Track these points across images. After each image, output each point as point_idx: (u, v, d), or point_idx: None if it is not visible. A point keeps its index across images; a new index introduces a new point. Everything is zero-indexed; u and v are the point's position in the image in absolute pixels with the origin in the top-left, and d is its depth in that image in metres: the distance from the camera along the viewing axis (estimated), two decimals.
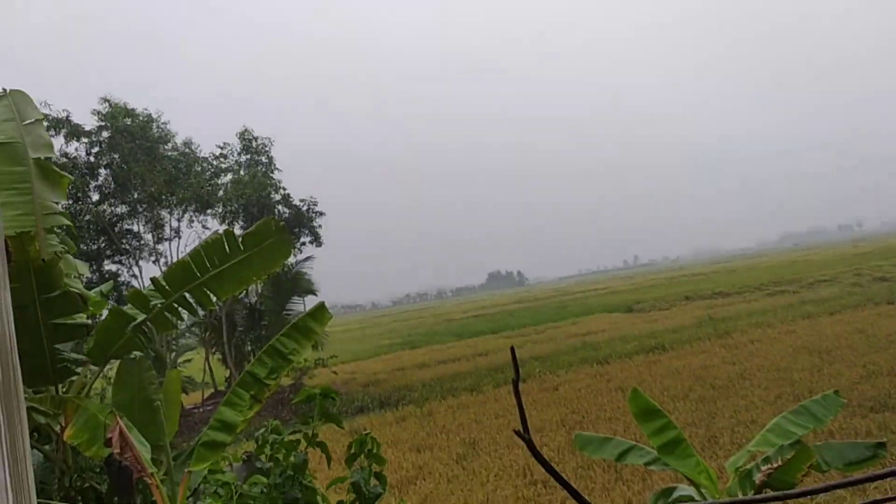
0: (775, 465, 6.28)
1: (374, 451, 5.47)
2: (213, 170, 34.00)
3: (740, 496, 6.21)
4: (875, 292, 40.49)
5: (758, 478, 6.33)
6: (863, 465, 6.25)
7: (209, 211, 33.11)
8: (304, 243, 34.55)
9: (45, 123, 11.99)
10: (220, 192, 32.84)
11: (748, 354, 24.35)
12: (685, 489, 6.90)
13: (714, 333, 31.25)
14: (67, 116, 29.80)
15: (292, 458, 5.61)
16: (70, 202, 28.78)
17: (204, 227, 33.74)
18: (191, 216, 33.61)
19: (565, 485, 4.88)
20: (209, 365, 34.29)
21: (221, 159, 34.64)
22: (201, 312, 7.52)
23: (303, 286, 32.97)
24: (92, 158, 30.69)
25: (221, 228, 20.08)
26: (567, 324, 51.03)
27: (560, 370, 27.07)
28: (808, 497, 9.01)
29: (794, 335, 27.55)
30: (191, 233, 34.97)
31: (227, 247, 7.16)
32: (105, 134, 30.63)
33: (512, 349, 4.70)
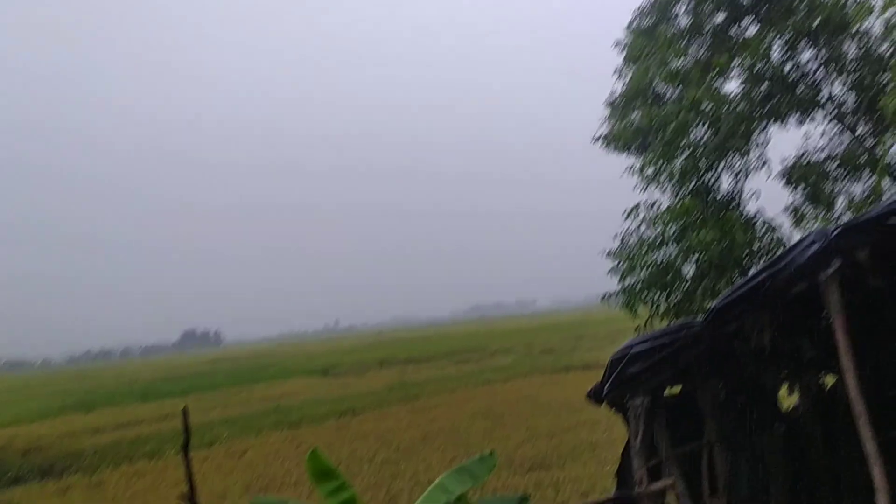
0: None
1: None
2: None
3: None
4: (541, 363, 45.61)
5: None
6: None
7: None
8: None
9: None
10: None
11: (432, 419, 25.88)
12: None
13: (403, 398, 32.76)
14: None
15: None
16: None
17: None
18: None
19: None
20: None
21: None
22: None
23: None
24: None
25: None
26: (263, 386, 49.90)
27: (250, 434, 26.35)
28: None
29: (473, 401, 29.89)
30: None
31: None
32: None
33: (184, 409, 4.63)
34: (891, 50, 16.94)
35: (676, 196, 14.14)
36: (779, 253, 5.64)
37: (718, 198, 14.13)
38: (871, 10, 15.05)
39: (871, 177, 17.01)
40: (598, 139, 20.82)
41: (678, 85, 15.23)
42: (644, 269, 13.51)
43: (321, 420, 28.41)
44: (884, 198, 16.63)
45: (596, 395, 6.19)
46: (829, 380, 8.64)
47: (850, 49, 17.50)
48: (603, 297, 14.62)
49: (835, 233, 5.00)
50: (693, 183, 13.91)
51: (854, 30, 16.52)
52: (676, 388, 6.77)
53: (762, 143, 15.35)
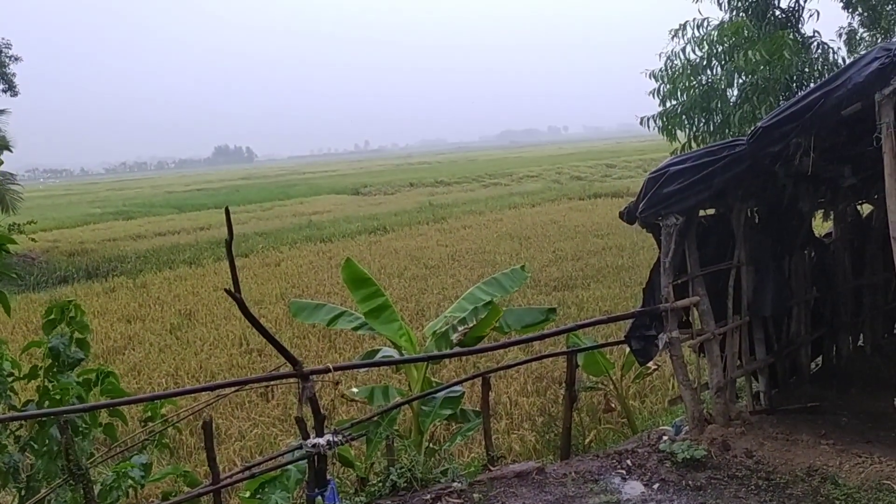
0: (470, 326, 7.12)
1: (77, 317, 5.07)
2: None
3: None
4: (570, 189, 45.66)
5: (455, 337, 7.13)
6: (537, 326, 7.34)
7: None
8: None
9: None
10: None
11: (459, 238, 26.44)
12: (388, 350, 7.56)
13: (432, 218, 33.28)
14: None
15: None
16: None
17: None
18: None
19: (272, 340, 5.10)
20: None
21: None
22: None
23: None
24: None
25: None
26: (294, 203, 50.89)
27: (284, 247, 27.23)
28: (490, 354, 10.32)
29: (500, 223, 30.33)
30: None
31: None
32: None
33: (226, 209, 4.70)
34: None
35: (731, 12, 13.29)
36: (833, 74, 5.35)
37: (776, 16, 13.26)
38: None
39: None
40: None
41: None
42: (686, 92, 13.01)
43: (352, 236, 29.16)
44: None
45: (629, 215, 6.16)
46: (865, 209, 8.57)
47: None
48: (641, 121, 14.20)
49: None
50: None
51: None
52: (711, 210, 6.74)
53: None
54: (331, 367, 4.72)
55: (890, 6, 16.85)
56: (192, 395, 6.35)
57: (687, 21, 13.61)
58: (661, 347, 6.03)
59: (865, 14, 16.98)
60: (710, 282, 6.47)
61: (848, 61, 15.26)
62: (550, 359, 8.96)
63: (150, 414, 5.36)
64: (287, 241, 28.65)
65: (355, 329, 7.33)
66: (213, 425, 5.01)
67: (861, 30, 17.24)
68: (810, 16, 13.67)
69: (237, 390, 8.94)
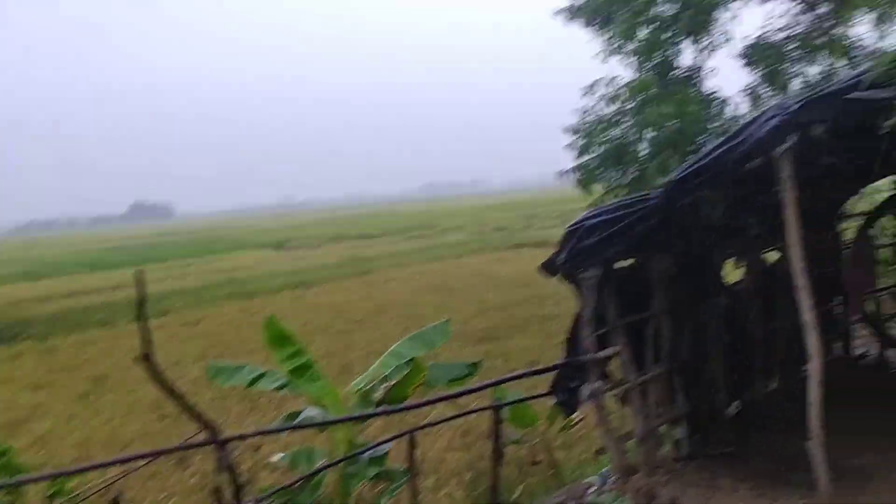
0: (393, 383, 7.03)
1: None
2: None
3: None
4: (494, 239, 46.28)
5: (377, 396, 7.02)
6: (462, 381, 7.29)
7: None
8: None
9: None
10: None
11: (384, 292, 26.30)
12: (312, 411, 7.36)
13: (356, 272, 33.08)
14: None
15: None
16: None
17: None
18: None
19: (184, 404, 4.87)
20: None
21: None
22: None
23: None
24: None
25: None
26: (216, 258, 49.83)
27: (204, 305, 26.52)
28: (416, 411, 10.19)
29: (425, 275, 30.36)
30: None
31: None
32: None
33: (139, 272, 4.52)
34: None
35: (638, 71, 13.92)
36: (735, 130, 5.65)
37: (679, 74, 13.96)
38: None
39: (827, 59, 17.01)
40: (560, 12, 20.16)
41: None
42: (601, 146, 13.47)
43: (275, 292, 28.64)
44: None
45: (549, 267, 6.28)
46: (772, 257, 8.96)
47: None
48: (559, 174, 14.59)
49: (795, 106, 5.01)
50: (655, 58, 13.67)
51: None
52: (628, 261, 6.92)
53: (726, 21, 15.12)
54: (248, 433, 4.56)
55: (785, 65, 18.00)
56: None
57: (599, 79, 14.18)
58: (585, 398, 6.09)
59: (765, 71, 18.07)
60: (631, 331, 6.61)
61: (749, 116, 16.17)
62: (476, 413, 8.91)
63: (55, 490, 5.05)
64: (207, 298, 27.93)
65: (278, 389, 7.12)
66: (125, 498, 4.74)
67: (762, 86, 18.31)
68: (710, 72, 14.45)
69: (150, 461, 8.51)
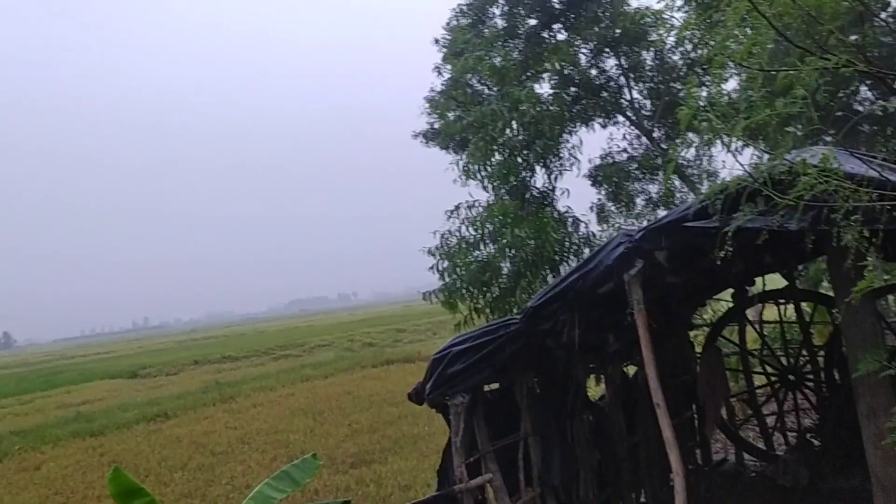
0: None
1: None
2: None
3: None
4: (363, 357, 45.56)
5: None
6: None
7: None
8: None
9: None
10: None
11: (250, 418, 25.03)
12: None
13: (219, 398, 31.39)
14: None
15: None
16: None
17: None
18: None
19: None
20: None
21: None
22: None
23: None
24: None
25: None
26: (60, 392, 45.83)
27: (46, 446, 24.09)
28: None
29: (293, 398, 29.26)
30: None
31: None
32: None
33: None
34: (681, 61, 18.64)
35: (495, 194, 14.56)
36: (586, 252, 5.97)
37: (534, 196, 14.71)
38: (665, 24, 16.45)
39: (663, 178, 18.66)
40: (418, 135, 21.08)
41: (497, 83, 15.73)
42: (463, 268, 13.77)
43: (128, 426, 26.56)
44: (675, 196, 18.30)
45: (417, 396, 6.22)
46: (631, 370, 9.33)
47: (647, 58, 19.05)
48: (424, 295, 14.74)
49: (638, 235, 5.35)
50: (511, 181, 14.38)
51: (650, 40, 18.01)
52: (495, 385, 6.97)
53: (573, 145, 16.30)
54: None
55: (629, 183, 19.55)
56: None
57: (460, 203, 14.72)
58: None
59: (611, 189, 19.51)
60: (503, 455, 6.57)
61: (598, 231, 17.27)
62: None
63: None
64: (50, 438, 25.40)
65: None
66: None
67: (609, 203, 19.71)
68: (562, 193, 15.38)
69: None
